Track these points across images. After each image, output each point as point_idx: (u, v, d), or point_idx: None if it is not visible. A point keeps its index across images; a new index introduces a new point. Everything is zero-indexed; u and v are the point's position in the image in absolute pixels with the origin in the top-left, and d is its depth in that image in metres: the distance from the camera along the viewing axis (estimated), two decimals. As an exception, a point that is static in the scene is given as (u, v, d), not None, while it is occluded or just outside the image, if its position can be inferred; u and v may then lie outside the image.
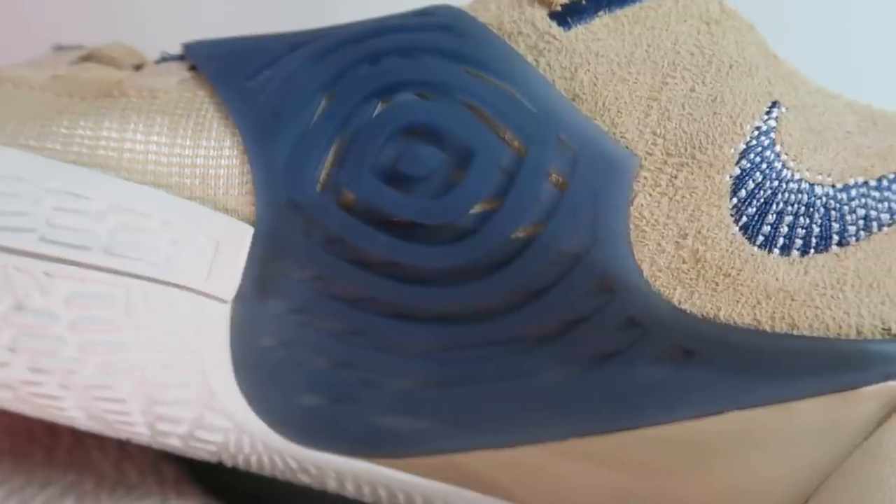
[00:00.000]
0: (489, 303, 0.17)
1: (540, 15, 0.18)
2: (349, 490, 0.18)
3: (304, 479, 0.18)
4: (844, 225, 0.16)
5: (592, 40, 0.17)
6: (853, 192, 0.17)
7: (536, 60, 0.17)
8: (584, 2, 0.18)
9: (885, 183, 0.17)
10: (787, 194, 0.16)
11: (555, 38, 0.18)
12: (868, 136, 0.17)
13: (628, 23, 0.18)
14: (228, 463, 0.18)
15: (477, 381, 0.17)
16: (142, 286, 0.16)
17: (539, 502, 0.17)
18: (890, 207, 0.17)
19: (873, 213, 0.17)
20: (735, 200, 0.16)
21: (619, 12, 0.18)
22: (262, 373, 0.17)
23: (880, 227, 0.17)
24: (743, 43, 0.17)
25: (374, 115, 0.17)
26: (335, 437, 0.17)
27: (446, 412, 0.17)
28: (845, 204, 0.16)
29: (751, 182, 0.16)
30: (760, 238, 0.16)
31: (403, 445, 0.17)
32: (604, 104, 0.17)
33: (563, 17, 0.18)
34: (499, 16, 0.18)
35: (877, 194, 0.17)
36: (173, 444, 0.17)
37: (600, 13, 0.18)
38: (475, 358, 0.17)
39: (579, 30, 0.18)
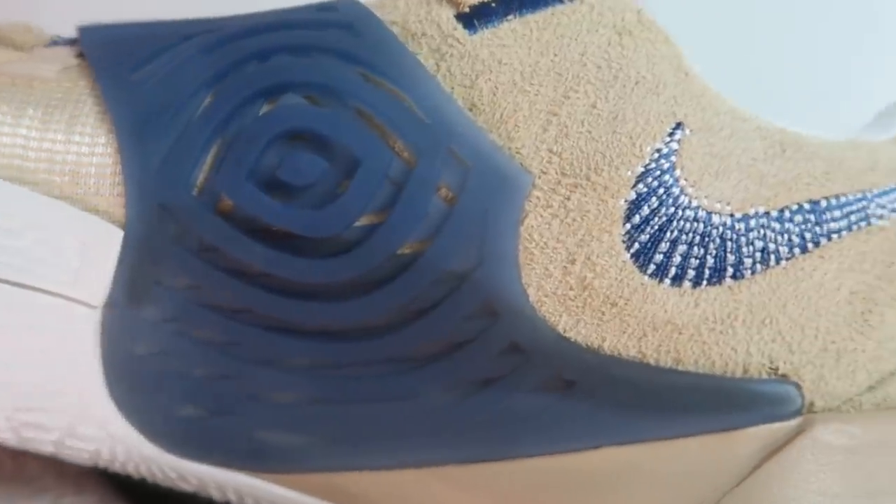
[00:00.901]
0: (372, 320, 0.16)
1: (446, 16, 0.17)
2: (233, 501, 0.18)
3: (185, 488, 0.18)
4: (741, 257, 0.16)
5: (497, 46, 0.17)
6: (752, 223, 0.16)
7: (438, 65, 0.16)
8: (493, 4, 0.17)
9: (787, 214, 0.16)
10: (682, 222, 0.16)
11: (458, 41, 0.17)
12: (774, 163, 0.16)
13: (537, 29, 0.17)
14: (109, 468, 0.18)
15: (359, 400, 0.16)
16: (1, 289, 0.15)
17: None
18: (790, 240, 0.16)
19: (772, 246, 0.16)
20: (628, 226, 0.16)
21: (529, 17, 0.17)
22: (137, 382, 0.16)
23: (778, 260, 0.16)
24: (654, 57, 0.17)
25: (257, 116, 0.16)
26: (215, 450, 0.17)
27: (328, 430, 0.17)
28: (743, 235, 0.16)
29: (646, 207, 0.16)
30: (652, 267, 0.16)
31: (284, 461, 0.17)
32: (501, 116, 0.16)
33: (471, 20, 0.17)
34: (406, 14, 0.17)
35: (777, 226, 0.16)
36: (45, 450, 0.17)
37: (509, 17, 0.17)
38: (358, 376, 0.16)
39: (485, 34, 0.17)
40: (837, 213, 0.16)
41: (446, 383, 0.16)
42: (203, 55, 0.16)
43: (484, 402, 0.16)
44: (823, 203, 0.16)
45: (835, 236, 0.16)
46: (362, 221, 0.16)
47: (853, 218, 0.16)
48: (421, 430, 0.16)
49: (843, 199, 0.16)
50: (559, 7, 0.17)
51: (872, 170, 0.17)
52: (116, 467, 0.18)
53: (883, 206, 0.17)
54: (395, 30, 0.17)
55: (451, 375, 0.16)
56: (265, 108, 0.16)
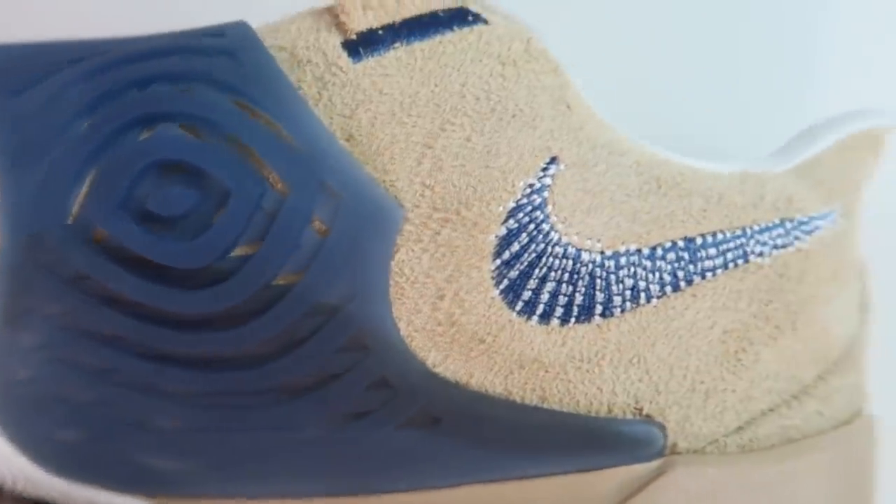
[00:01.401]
0: (247, 350, 0.16)
1: (333, 43, 0.17)
2: None
3: (74, 509, 0.18)
4: (610, 295, 0.16)
5: (380, 75, 0.16)
6: (623, 261, 0.16)
7: (320, 93, 0.16)
8: (380, 31, 0.17)
9: (659, 252, 0.16)
10: (552, 259, 0.16)
11: (341, 70, 0.17)
12: (648, 200, 0.16)
13: (423, 58, 0.17)
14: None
15: (238, 429, 0.17)
16: None
17: None
18: (662, 278, 0.16)
19: (642, 284, 0.16)
20: (498, 262, 0.16)
21: (417, 45, 0.17)
22: (21, 406, 0.17)
23: (649, 298, 0.16)
24: (536, 89, 0.16)
25: (131, 146, 0.16)
26: (99, 473, 0.17)
27: (208, 457, 0.17)
28: (613, 272, 0.16)
29: (516, 244, 0.16)
30: (520, 304, 0.16)
31: (169, 486, 0.17)
32: (378, 148, 0.16)
33: (357, 48, 0.17)
34: (295, 40, 0.17)
35: (648, 264, 0.16)
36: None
37: (396, 45, 0.17)
38: (236, 405, 0.16)
39: (369, 62, 0.17)
40: (713, 251, 0.16)
41: (319, 415, 0.16)
42: (83, 81, 0.16)
43: (354, 435, 0.16)
44: (699, 240, 0.16)
45: (709, 274, 0.16)
46: (237, 252, 0.16)
47: (730, 255, 0.16)
48: (295, 462, 0.16)
49: (719, 237, 0.16)
50: (448, 35, 0.17)
51: (755, 206, 0.17)
52: (7, 488, 0.18)
53: (763, 243, 0.17)
54: (283, 56, 0.17)
55: (324, 408, 0.16)
56: (141, 138, 0.16)
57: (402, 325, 0.16)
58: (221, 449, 0.17)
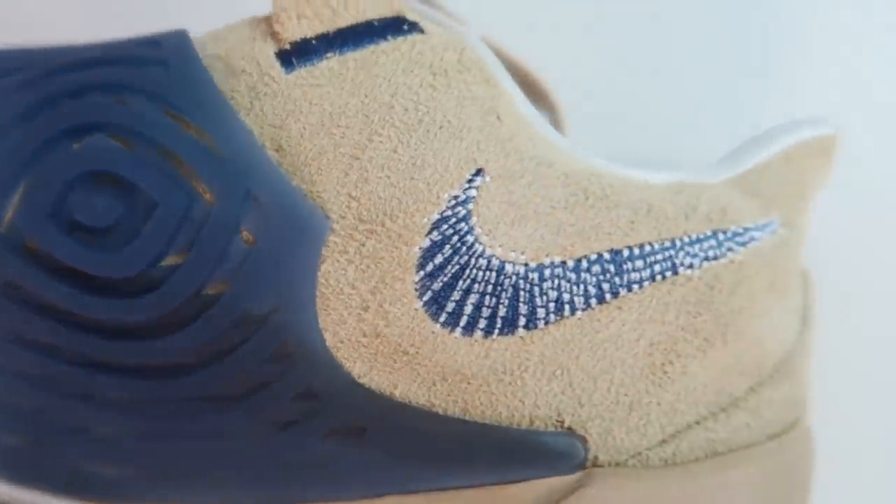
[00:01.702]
0: (177, 359, 0.16)
1: (267, 53, 0.17)
2: None
3: (17, 511, 0.18)
4: (534, 307, 0.16)
5: (311, 86, 0.16)
6: (547, 273, 0.16)
7: (252, 104, 0.16)
8: (313, 41, 0.17)
9: (584, 264, 0.16)
10: (475, 271, 0.16)
11: (273, 80, 0.17)
12: (574, 212, 0.16)
13: (355, 68, 0.17)
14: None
15: (171, 437, 0.17)
16: None
17: None
18: (586, 291, 0.16)
19: (566, 296, 0.16)
20: (421, 274, 0.16)
21: (349, 55, 0.17)
22: None
23: (573, 311, 0.16)
24: (465, 100, 0.16)
25: (61, 156, 0.16)
26: (40, 478, 0.17)
27: (147, 464, 0.17)
28: (536, 284, 0.16)
29: (440, 256, 0.16)
30: (444, 316, 0.16)
31: (108, 491, 0.17)
32: (306, 159, 0.16)
33: (290, 57, 0.17)
34: (232, 49, 0.17)
35: (573, 276, 0.16)
36: None
37: (329, 55, 0.17)
38: (168, 414, 0.17)
39: (301, 73, 0.17)
40: (640, 263, 0.16)
41: (248, 425, 0.16)
42: (18, 91, 0.16)
43: (282, 445, 0.16)
44: (625, 252, 0.16)
45: (636, 287, 0.16)
46: (167, 262, 0.16)
47: (657, 268, 0.16)
48: (226, 470, 0.17)
49: (647, 249, 0.16)
50: (381, 45, 0.17)
51: (687, 217, 0.17)
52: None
53: (694, 255, 0.17)
54: (219, 65, 0.17)
55: (253, 417, 0.16)
56: (72, 148, 0.16)
57: (328, 336, 0.16)
58: (157, 456, 0.17)
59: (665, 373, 0.16)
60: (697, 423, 0.16)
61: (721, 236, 0.17)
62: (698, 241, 0.17)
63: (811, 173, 0.19)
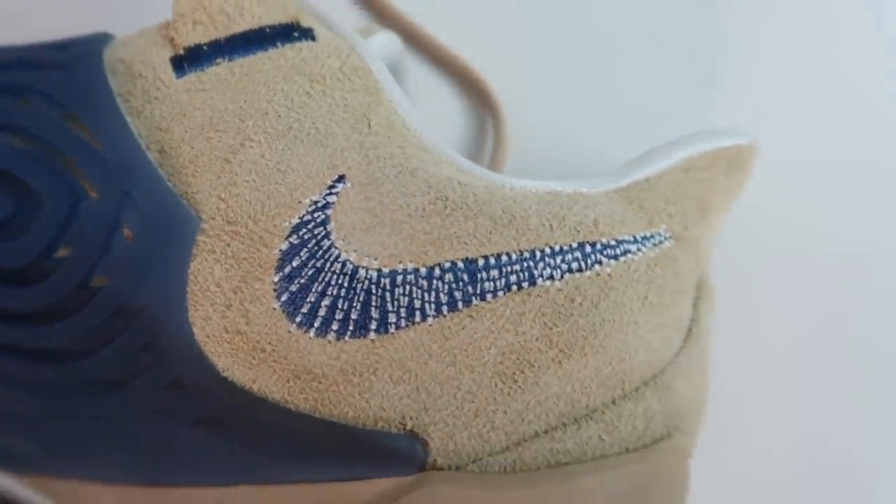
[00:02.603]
0: (69, 345, 0.17)
1: (163, 57, 0.18)
2: None
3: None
4: (385, 312, 0.16)
5: (197, 91, 0.17)
6: (399, 279, 0.16)
7: (143, 107, 0.17)
8: (205, 47, 0.18)
9: (436, 272, 0.16)
10: (330, 274, 0.16)
11: (164, 84, 0.17)
12: (430, 220, 0.16)
13: (241, 74, 0.17)
14: None
15: (68, 416, 0.18)
16: None
17: None
18: (438, 298, 0.16)
19: (418, 303, 0.16)
20: (280, 275, 0.16)
21: (238, 61, 0.17)
22: None
23: (425, 317, 0.16)
24: (337, 108, 0.17)
25: None
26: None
27: (48, 440, 0.18)
28: (388, 290, 0.16)
29: (298, 258, 0.16)
30: (300, 316, 0.16)
31: (19, 463, 0.19)
32: (184, 161, 0.17)
33: (182, 63, 0.18)
34: (135, 53, 0.18)
35: (425, 283, 0.16)
36: None
37: (219, 60, 0.17)
38: (66, 394, 0.18)
39: (191, 78, 0.17)
40: (495, 273, 0.16)
41: (129, 409, 0.17)
42: None
43: (156, 430, 0.17)
44: (480, 262, 0.16)
45: (489, 296, 0.16)
46: (60, 254, 0.17)
47: (514, 278, 0.16)
48: (112, 449, 0.18)
49: (504, 259, 0.16)
50: (269, 52, 0.18)
51: (552, 228, 0.17)
52: None
53: (555, 267, 0.17)
54: (122, 68, 0.18)
55: (133, 402, 0.17)
56: None
57: (196, 331, 0.17)
58: (57, 434, 0.18)
59: (515, 382, 0.16)
60: (546, 432, 0.16)
61: (588, 248, 0.17)
62: (561, 252, 0.17)
63: (714, 186, 0.19)
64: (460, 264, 0.16)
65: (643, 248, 0.17)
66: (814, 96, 0.26)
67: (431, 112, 0.25)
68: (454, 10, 0.26)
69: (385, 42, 0.20)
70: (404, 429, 0.16)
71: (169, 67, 0.18)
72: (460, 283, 0.16)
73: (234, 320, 0.16)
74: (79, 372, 0.18)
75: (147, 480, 0.17)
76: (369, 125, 0.17)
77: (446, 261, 0.16)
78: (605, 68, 0.25)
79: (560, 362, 0.16)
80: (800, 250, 0.24)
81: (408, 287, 0.16)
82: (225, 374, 0.17)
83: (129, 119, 0.17)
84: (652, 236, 0.17)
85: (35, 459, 0.19)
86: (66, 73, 0.18)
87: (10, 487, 0.19)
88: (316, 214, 0.16)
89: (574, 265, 0.17)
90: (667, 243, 0.18)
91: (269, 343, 0.16)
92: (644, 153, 0.19)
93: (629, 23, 0.26)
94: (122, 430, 0.17)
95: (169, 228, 0.17)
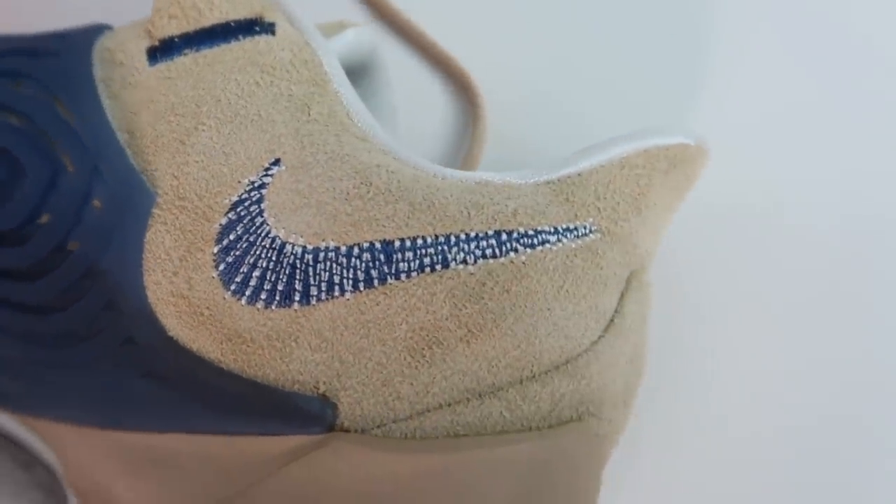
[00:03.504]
0: (45, 301, 0.20)
1: (141, 48, 0.20)
2: None
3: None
4: (308, 285, 0.18)
5: (165, 79, 0.19)
6: (321, 255, 0.18)
7: (119, 92, 0.19)
8: (176, 39, 0.20)
9: (355, 251, 0.18)
10: (261, 249, 0.18)
11: (139, 71, 0.19)
12: (352, 203, 0.18)
13: (204, 64, 0.19)
14: None
15: (46, 363, 0.20)
16: None
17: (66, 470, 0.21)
18: (356, 275, 0.17)
19: (337, 279, 0.17)
20: (219, 247, 0.18)
21: (203, 53, 0.19)
22: None
23: (343, 292, 0.18)
24: (281, 98, 0.18)
25: None
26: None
27: (30, 382, 0.21)
28: (311, 265, 0.18)
29: (234, 233, 0.18)
30: (234, 285, 0.18)
31: (11, 402, 0.21)
32: (148, 142, 0.19)
33: (155, 53, 0.20)
34: (119, 43, 0.20)
35: (345, 261, 0.18)
36: None
37: (186, 52, 0.19)
38: (45, 343, 0.20)
39: (161, 67, 0.19)
40: (410, 255, 0.17)
41: (91, 360, 0.19)
42: None
43: (112, 380, 0.19)
44: (397, 243, 0.18)
45: (403, 276, 0.17)
46: (42, 220, 0.19)
47: (427, 260, 0.17)
48: (74, 395, 0.20)
49: (419, 242, 0.18)
50: (231, 44, 0.19)
51: (469, 216, 0.18)
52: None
53: (469, 252, 0.18)
54: (107, 56, 0.20)
55: (95, 355, 0.19)
56: None
57: (149, 294, 0.18)
58: (37, 377, 0.20)
59: (423, 356, 0.17)
60: (449, 405, 0.18)
61: (504, 236, 0.18)
62: (475, 238, 0.18)
63: (652, 184, 0.19)
64: (378, 245, 0.18)
65: (563, 240, 0.18)
66: (800, 97, 0.26)
67: (415, 101, 0.26)
68: (447, 9, 0.27)
69: (354, 37, 0.22)
70: (317, 392, 0.18)
71: (144, 57, 0.19)
72: (377, 263, 0.17)
73: (179, 286, 0.18)
74: (54, 325, 0.20)
75: (104, 424, 0.19)
76: (309, 114, 0.18)
77: (365, 241, 0.17)
78: (589, 66, 0.26)
79: (468, 342, 0.18)
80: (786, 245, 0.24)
81: (329, 263, 0.18)
82: (171, 334, 0.18)
83: (107, 102, 0.19)
84: (575, 228, 0.18)
85: (18, 398, 0.21)
86: (58, 61, 0.20)
87: (5, 423, 0.22)
88: (252, 193, 0.18)
89: (488, 251, 0.18)
90: (592, 236, 0.18)
91: (207, 308, 0.18)
92: (585, 148, 0.19)
93: (616, 22, 0.27)
94: (86, 378, 0.20)
95: (129, 201, 0.19)
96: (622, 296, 0.19)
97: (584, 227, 0.18)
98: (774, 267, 0.25)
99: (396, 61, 0.27)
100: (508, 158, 0.26)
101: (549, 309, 0.18)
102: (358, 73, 0.23)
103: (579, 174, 0.19)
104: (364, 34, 0.23)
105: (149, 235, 0.18)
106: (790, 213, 0.25)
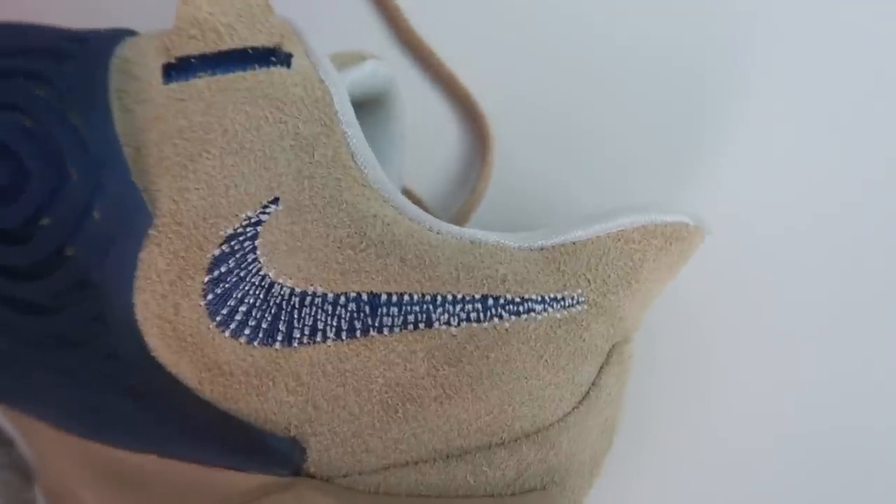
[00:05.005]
0: (40, 301, 0.20)
1: (158, 63, 0.20)
2: None
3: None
4: (291, 327, 0.18)
5: (177, 99, 0.19)
6: (308, 300, 0.18)
7: (132, 106, 0.20)
8: (193, 60, 0.20)
9: (342, 300, 0.18)
10: (250, 284, 0.18)
11: (153, 88, 0.20)
12: (344, 252, 0.18)
13: (216, 90, 0.19)
14: None
15: (36, 362, 0.20)
16: None
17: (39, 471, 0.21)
18: (339, 324, 0.18)
19: (321, 325, 0.18)
20: (209, 277, 0.18)
21: (217, 77, 0.19)
22: None
23: (325, 339, 0.18)
24: (287, 135, 0.18)
25: None
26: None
27: (19, 378, 0.21)
28: (297, 308, 0.18)
29: (225, 265, 0.18)
30: (220, 317, 0.18)
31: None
32: (152, 162, 0.19)
33: (171, 71, 0.20)
34: (138, 55, 0.20)
35: (330, 308, 0.18)
36: None
37: (200, 74, 0.19)
38: (36, 343, 0.20)
39: (174, 86, 0.19)
40: (395, 310, 0.18)
41: (76, 368, 0.20)
42: None
43: (93, 391, 0.19)
44: (384, 297, 0.18)
45: (386, 330, 0.18)
46: (42, 223, 0.20)
47: (412, 317, 0.18)
48: (57, 398, 0.20)
49: (405, 298, 0.18)
50: (247, 73, 0.19)
51: (458, 277, 0.18)
52: None
53: (454, 314, 0.18)
54: (125, 67, 0.20)
55: (81, 363, 0.20)
56: None
57: (137, 311, 0.19)
58: (24, 374, 0.21)
59: (396, 412, 0.18)
60: (416, 463, 0.18)
61: (490, 301, 0.18)
62: (462, 301, 0.18)
63: (645, 260, 0.19)
64: (364, 297, 0.18)
65: (549, 309, 0.18)
66: (803, 170, 0.26)
67: (426, 130, 0.26)
68: (465, 39, 0.27)
69: (372, 70, 0.22)
70: (288, 434, 0.18)
71: (159, 73, 0.20)
72: (361, 314, 0.18)
73: (166, 309, 0.18)
74: (45, 326, 0.20)
75: (81, 432, 0.20)
76: (313, 155, 0.18)
77: (352, 291, 0.18)
78: (601, 111, 0.26)
79: (441, 402, 0.18)
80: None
81: (314, 308, 0.18)
82: (153, 354, 0.19)
83: (118, 115, 0.19)
84: (563, 299, 0.18)
85: (4, 390, 0.21)
86: (76, 67, 0.20)
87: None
88: (248, 229, 0.18)
89: (473, 315, 0.18)
90: (578, 307, 0.18)
91: (191, 335, 0.18)
92: (583, 216, 0.19)
93: (633, 70, 0.26)
94: (69, 383, 0.20)
95: (127, 218, 0.19)
96: (601, 368, 0.19)
97: (572, 298, 0.18)
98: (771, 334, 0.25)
99: (409, 86, 0.27)
100: (513, 195, 0.26)
101: (526, 378, 0.18)
102: (372, 102, 0.24)
103: (573, 243, 0.19)
104: (382, 67, 0.23)
105: (143, 255, 0.19)
106: (786, 291, 0.25)
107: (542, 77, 0.27)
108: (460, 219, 0.25)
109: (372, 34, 0.28)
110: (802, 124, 0.26)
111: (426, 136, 0.26)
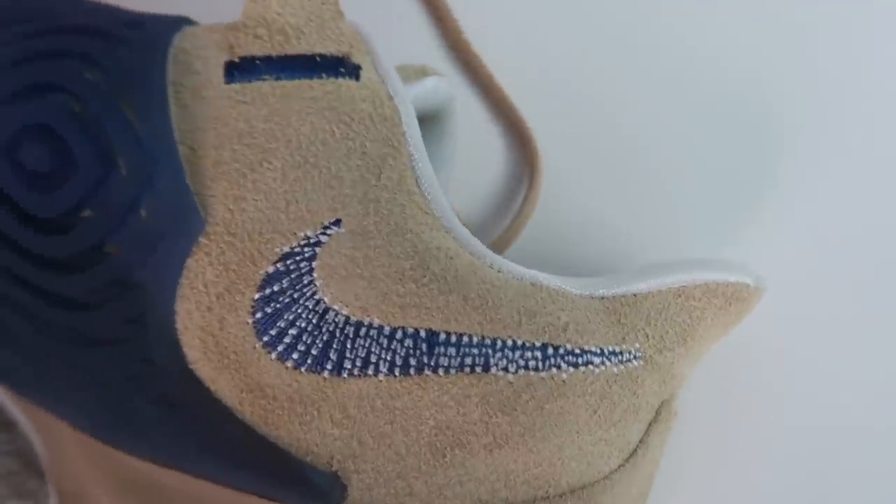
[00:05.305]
0: (74, 295, 0.19)
1: (219, 60, 0.19)
2: None
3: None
4: (343, 357, 0.17)
5: (238, 101, 0.18)
6: (363, 331, 0.17)
7: (189, 103, 0.19)
8: (257, 61, 0.19)
9: (398, 335, 0.17)
10: (304, 307, 0.17)
11: (213, 86, 0.19)
12: (406, 285, 0.17)
13: (280, 95, 0.18)
14: None
15: (61, 357, 0.19)
16: None
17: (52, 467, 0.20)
18: (393, 359, 0.17)
19: (374, 358, 0.17)
20: (260, 294, 0.17)
21: (282, 82, 0.18)
22: None
23: (377, 373, 0.17)
24: (354, 153, 0.18)
25: (28, 105, 0.19)
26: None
27: (40, 370, 0.20)
28: (350, 338, 0.17)
29: (278, 284, 0.17)
30: (268, 337, 0.17)
31: (8, 377, 0.21)
32: (208, 164, 0.18)
33: (233, 70, 0.19)
34: (197, 48, 0.19)
35: (385, 342, 0.17)
36: None
37: (264, 77, 0.18)
38: (64, 338, 0.19)
39: (236, 86, 0.19)
40: (453, 351, 0.17)
41: (104, 369, 0.19)
42: (11, 44, 0.19)
43: (122, 395, 0.19)
44: (442, 336, 0.17)
45: (441, 370, 0.17)
46: (84, 214, 0.19)
47: (469, 360, 0.17)
48: (80, 398, 0.19)
49: (465, 339, 0.17)
50: (312, 81, 0.18)
51: (519, 322, 0.17)
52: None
53: (512, 360, 0.17)
54: (184, 58, 0.19)
55: (108, 364, 0.19)
56: (39, 100, 0.19)
57: (178, 319, 0.18)
58: (48, 368, 0.20)
59: (444, 457, 0.17)
60: (459, 511, 0.17)
61: (550, 350, 0.17)
62: (521, 347, 0.17)
63: (704, 318, 0.19)
64: (422, 333, 0.17)
65: (607, 363, 0.18)
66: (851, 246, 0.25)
67: (475, 149, 0.25)
68: (518, 54, 0.26)
69: (433, 86, 0.21)
70: (330, 468, 0.17)
71: (221, 71, 0.19)
72: (418, 352, 0.17)
73: (210, 322, 0.18)
74: (78, 322, 0.19)
75: (104, 437, 0.19)
76: (379, 178, 0.17)
77: (411, 326, 0.17)
78: (656, 145, 0.26)
79: (491, 451, 0.17)
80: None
81: (369, 340, 0.17)
82: (191, 367, 0.18)
83: (174, 109, 0.19)
84: (621, 353, 0.18)
85: (25, 382, 0.20)
86: (131, 54, 0.19)
87: (5, 401, 0.21)
88: (306, 249, 0.17)
89: (531, 363, 0.17)
90: (635, 363, 0.18)
91: (235, 352, 0.17)
92: (644, 266, 0.19)
93: (693, 104, 0.26)
94: (96, 384, 0.19)
95: (178, 221, 0.18)
96: (649, 425, 0.19)
97: (629, 353, 0.18)
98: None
99: (463, 104, 0.26)
100: (558, 221, 0.25)
101: (578, 432, 0.17)
102: (428, 119, 0.23)
103: (634, 295, 0.18)
104: (444, 84, 0.22)
105: (190, 262, 0.18)
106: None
107: (597, 108, 0.26)
108: (501, 245, 0.24)
109: (422, 42, 0.27)
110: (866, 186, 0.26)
111: (470, 155, 0.26)
